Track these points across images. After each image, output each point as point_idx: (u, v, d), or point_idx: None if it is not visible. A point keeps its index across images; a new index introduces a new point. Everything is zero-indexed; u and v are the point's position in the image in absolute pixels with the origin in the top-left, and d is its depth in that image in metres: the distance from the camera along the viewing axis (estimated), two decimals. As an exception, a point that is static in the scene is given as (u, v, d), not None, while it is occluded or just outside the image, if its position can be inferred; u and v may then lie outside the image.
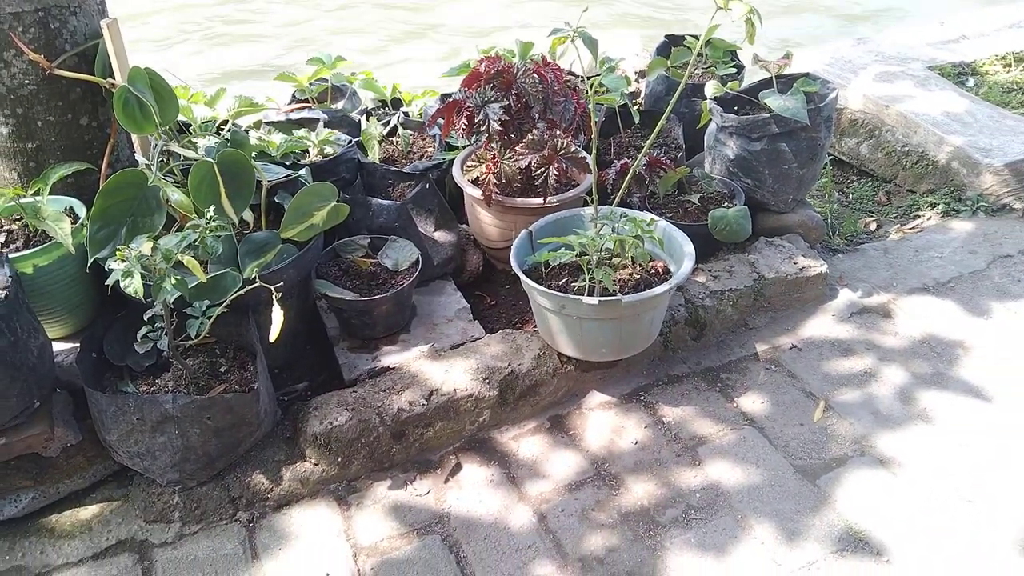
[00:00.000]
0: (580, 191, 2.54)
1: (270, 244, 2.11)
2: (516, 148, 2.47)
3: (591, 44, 2.33)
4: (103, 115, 2.16)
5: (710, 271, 2.62)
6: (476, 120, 2.41)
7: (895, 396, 2.31)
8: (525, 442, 2.20)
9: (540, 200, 2.45)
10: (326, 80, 3.16)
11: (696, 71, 3.31)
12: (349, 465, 2.07)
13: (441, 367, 2.22)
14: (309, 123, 2.82)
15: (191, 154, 2.04)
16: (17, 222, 2.10)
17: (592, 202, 2.30)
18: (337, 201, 2.20)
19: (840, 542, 1.89)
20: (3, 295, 1.81)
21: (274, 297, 1.82)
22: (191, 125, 2.48)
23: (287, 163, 2.43)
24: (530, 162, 2.41)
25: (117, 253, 1.73)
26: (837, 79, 3.72)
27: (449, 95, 2.67)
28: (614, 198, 2.44)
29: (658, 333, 2.35)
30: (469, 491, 2.06)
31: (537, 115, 2.44)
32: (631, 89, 3.59)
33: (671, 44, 3.34)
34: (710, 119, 2.83)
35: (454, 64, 2.99)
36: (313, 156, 2.63)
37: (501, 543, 1.92)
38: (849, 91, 3.68)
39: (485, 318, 2.55)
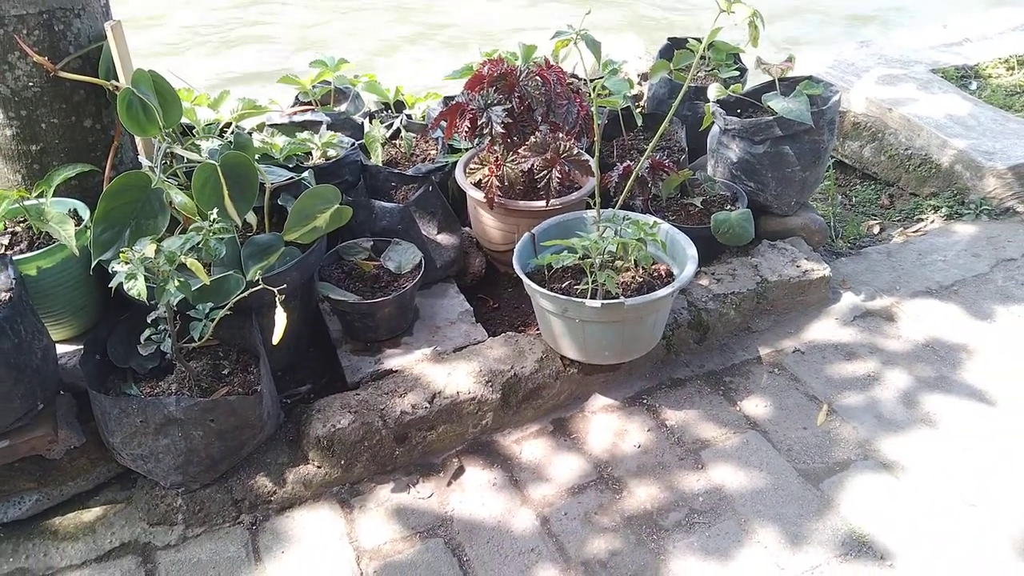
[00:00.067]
0: (583, 194, 2.54)
1: (273, 247, 2.11)
2: (519, 151, 2.48)
3: (594, 47, 2.33)
4: (107, 117, 2.17)
5: (713, 274, 2.62)
6: (479, 123, 2.42)
7: (898, 400, 2.31)
8: (528, 445, 2.20)
9: (543, 203, 2.45)
10: (329, 83, 3.17)
11: (699, 74, 3.31)
12: (352, 468, 2.07)
13: (444, 370, 2.22)
14: (312, 126, 2.82)
15: (195, 156, 2.04)
16: (21, 224, 2.10)
17: (595, 205, 2.30)
18: (340, 204, 2.20)
19: (843, 546, 1.89)
20: (7, 297, 1.82)
21: (277, 299, 1.82)
22: (195, 127, 2.48)
23: (290, 166, 2.43)
24: (533, 165, 2.41)
25: (121, 255, 1.73)
26: (840, 82, 3.72)
27: (452, 98, 2.67)
28: (617, 201, 2.44)
29: (661, 336, 2.35)
30: (472, 494, 2.06)
31: (540, 118, 2.44)
32: (634, 92, 3.60)
33: (674, 47, 3.34)
34: (713, 122, 2.83)
35: (458, 67, 2.99)
36: (316, 159, 2.63)
37: (504, 546, 1.92)
38: (852, 94, 3.68)
39: (488, 321, 2.55)
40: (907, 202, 3.38)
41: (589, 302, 2.04)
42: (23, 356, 1.79)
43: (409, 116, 3.07)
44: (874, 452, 2.14)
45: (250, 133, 2.48)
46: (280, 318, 1.83)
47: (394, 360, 2.30)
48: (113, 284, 1.75)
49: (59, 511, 2.00)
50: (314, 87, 3.14)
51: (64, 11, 1.99)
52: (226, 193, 1.96)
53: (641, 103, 3.52)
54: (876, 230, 3.20)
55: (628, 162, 2.57)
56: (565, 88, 2.51)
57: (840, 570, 1.83)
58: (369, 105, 3.31)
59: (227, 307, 1.90)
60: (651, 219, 2.30)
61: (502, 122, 2.37)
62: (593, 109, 2.31)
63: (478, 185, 2.55)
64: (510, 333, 2.40)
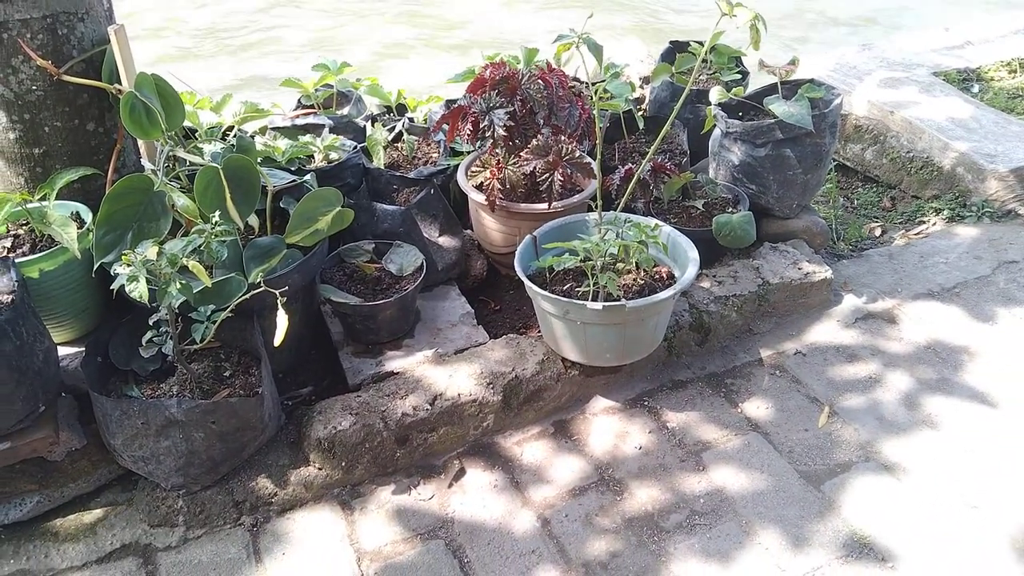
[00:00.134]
0: (584, 196, 2.55)
1: (275, 249, 2.12)
2: (521, 154, 2.48)
3: (596, 50, 2.34)
4: (110, 121, 2.18)
5: (714, 276, 2.62)
6: (481, 126, 2.42)
7: (900, 402, 2.30)
8: (529, 447, 2.20)
9: (545, 205, 2.45)
10: (332, 86, 3.18)
11: (701, 77, 3.31)
12: (353, 469, 2.08)
13: (445, 372, 2.22)
14: (314, 129, 2.83)
15: (197, 159, 2.05)
16: (24, 227, 2.11)
17: (596, 207, 2.30)
18: (342, 206, 2.21)
19: (845, 548, 1.88)
20: (9, 299, 1.82)
21: (279, 302, 1.83)
22: (197, 131, 2.49)
23: (292, 168, 2.44)
24: (535, 167, 2.42)
25: (123, 258, 1.74)
26: (842, 85, 3.72)
27: (454, 101, 2.68)
28: (618, 203, 2.45)
29: (662, 338, 2.35)
30: (473, 496, 2.06)
31: (542, 121, 2.44)
32: (636, 95, 3.60)
33: (676, 50, 3.35)
34: (715, 125, 2.83)
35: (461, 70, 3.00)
36: (318, 161, 2.64)
37: (505, 548, 1.92)
38: (854, 97, 3.68)
39: (489, 323, 2.55)
40: (909, 205, 3.38)
41: (590, 304, 2.04)
42: (25, 358, 1.79)
43: (411, 119, 3.08)
44: (875, 454, 2.13)
45: (252, 136, 2.49)
46: (281, 320, 1.83)
47: (395, 362, 2.31)
48: (115, 286, 1.76)
49: (60, 513, 2.01)
50: (316, 90, 3.15)
51: (68, 15, 2.00)
52: (228, 196, 1.96)
53: (643, 106, 3.53)
54: (878, 232, 3.20)
55: (630, 165, 2.57)
56: (567, 91, 2.51)
57: (841, 572, 1.83)
58: (371, 108, 3.32)
59: (228, 309, 1.90)
60: (652, 221, 2.30)
61: (504, 125, 2.38)
62: (595, 112, 2.32)
63: (480, 188, 2.56)
64: (511, 335, 2.40)
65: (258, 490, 2.01)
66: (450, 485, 2.09)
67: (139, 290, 1.70)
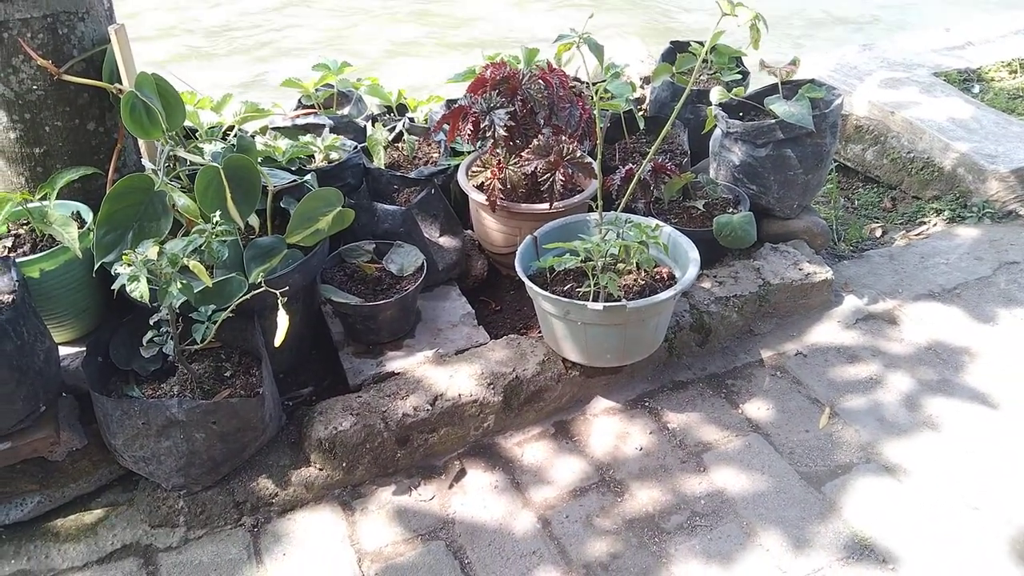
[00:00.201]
0: (585, 197, 2.55)
1: (276, 249, 2.11)
2: (521, 154, 2.48)
3: (597, 50, 2.34)
4: (110, 120, 2.17)
5: (715, 277, 2.62)
6: (482, 126, 2.42)
7: (901, 403, 2.30)
8: (529, 448, 2.20)
9: (545, 205, 2.45)
10: (332, 86, 3.17)
11: (701, 77, 3.31)
12: (354, 470, 2.07)
13: (446, 372, 2.22)
14: (315, 129, 2.83)
15: (198, 159, 2.04)
16: (24, 226, 2.11)
17: (597, 208, 2.30)
18: (342, 206, 2.20)
19: (846, 549, 1.88)
20: (10, 299, 1.82)
21: (279, 302, 1.83)
22: (197, 130, 2.49)
23: (293, 168, 2.44)
24: (535, 168, 2.41)
25: (123, 258, 1.73)
26: (842, 85, 3.72)
27: (455, 101, 2.68)
28: (619, 204, 2.45)
29: (663, 339, 2.35)
30: (473, 497, 2.06)
31: (542, 121, 2.44)
32: (636, 95, 3.60)
33: (676, 50, 3.34)
34: (715, 125, 2.83)
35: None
36: (319, 161, 2.64)
37: (505, 549, 1.92)
38: (854, 97, 3.68)
39: (490, 323, 2.55)
40: (909, 205, 3.38)
41: (591, 304, 2.04)
42: (26, 358, 1.79)
43: (412, 119, 3.07)
44: (876, 455, 2.13)
45: (253, 136, 2.49)
46: (282, 320, 1.83)
47: (396, 362, 2.30)
48: (116, 286, 1.75)
49: (61, 513, 2.00)
50: (317, 90, 3.15)
51: (68, 15, 2.00)
52: (229, 196, 1.96)
53: (643, 106, 3.53)
54: (878, 233, 3.20)
55: (630, 165, 2.57)
56: (567, 91, 2.51)
57: (842, 573, 1.83)
58: (372, 108, 3.31)
59: (229, 309, 1.90)
60: (653, 222, 2.30)
61: (505, 125, 2.38)
62: (595, 112, 2.32)
63: (480, 188, 2.56)
64: (512, 336, 2.40)
65: (259, 490, 2.01)
66: (451, 486, 2.09)
67: (140, 290, 1.70)
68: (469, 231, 2.81)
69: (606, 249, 2.14)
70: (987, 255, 2.94)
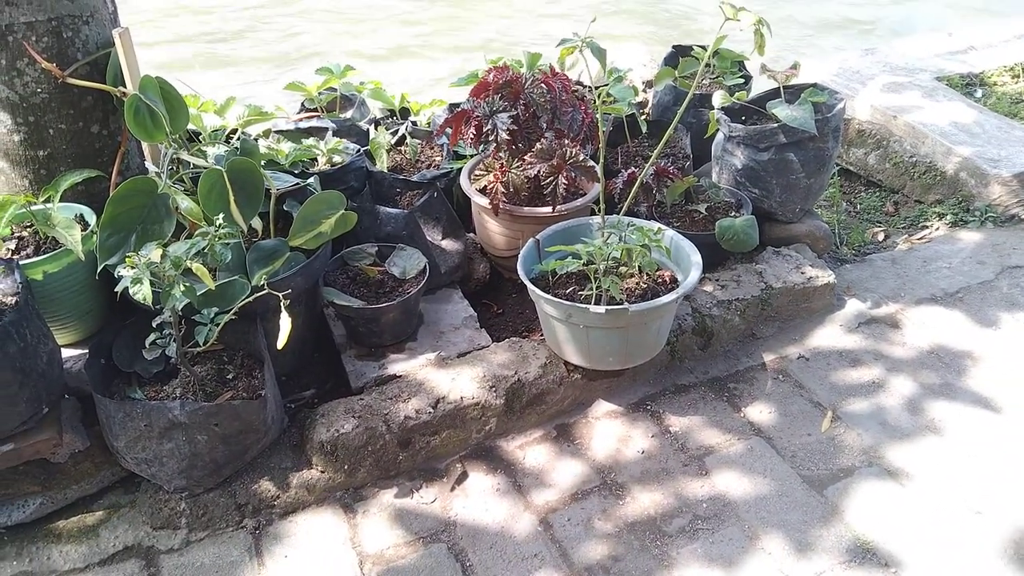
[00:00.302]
0: (587, 200, 2.55)
1: (278, 252, 2.12)
2: (524, 157, 2.48)
3: (599, 54, 2.34)
4: (114, 123, 2.18)
5: (717, 281, 2.62)
6: (484, 129, 2.42)
7: (903, 407, 2.30)
8: (531, 451, 2.20)
9: (548, 209, 2.45)
10: (335, 90, 3.18)
11: (704, 81, 3.32)
12: (355, 473, 2.07)
13: (448, 375, 2.22)
14: (318, 132, 2.83)
15: (201, 162, 2.05)
16: (28, 229, 2.12)
17: (599, 211, 2.31)
18: (345, 209, 2.21)
19: (848, 553, 1.88)
20: (13, 302, 1.83)
21: (282, 304, 1.83)
22: (201, 134, 2.50)
23: (296, 171, 2.44)
24: (538, 171, 2.42)
25: (127, 260, 1.74)
26: (845, 89, 3.72)
27: (457, 105, 2.68)
28: (621, 207, 2.45)
29: (665, 342, 2.35)
30: (475, 499, 2.06)
31: (545, 125, 2.44)
32: (639, 99, 3.60)
33: (679, 54, 3.35)
34: (717, 129, 2.83)
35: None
36: (322, 165, 2.64)
37: (507, 552, 1.91)
38: (857, 101, 3.68)
39: (492, 326, 2.55)
40: (912, 209, 3.37)
41: (593, 308, 2.04)
42: (28, 360, 1.80)
43: (414, 123, 3.08)
44: (879, 459, 2.13)
45: (256, 139, 2.50)
46: (285, 323, 1.83)
47: (398, 365, 2.31)
48: (119, 288, 1.76)
49: (63, 514, 2.01)
50: (320, 94, 3.16)
51: (73, 18, 2.01)
52: (232, 198, 1.97)
53: (646, 110, 3.53)
54: (881, 237, 3.20)
55: (633, 169, 2.58)
56: (570, 95, 2.51)
57: (844, 577, 1.83)
58: (375, 112, 3.32)
59: (232, 312, 1.90)
60: (656, 225, 2.30)
61: (507, 129, 2.38)
62: (598, 116, 2.32)
63: (483, 191, 2.56)
64: (514, 339, 2.40)
65: (260, 493, 2.01)
66: (452, 488, 2.09)
67: (143, 292, 1.70)
68: (471, 234, 2.81)
69: (608, 252, 2.15)
70: (990, 259, 2.93)
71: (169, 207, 1.94)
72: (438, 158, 2.91)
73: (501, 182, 2.47)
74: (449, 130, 2.54)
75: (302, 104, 3.23)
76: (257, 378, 2.06)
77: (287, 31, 6.83)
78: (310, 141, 2.63)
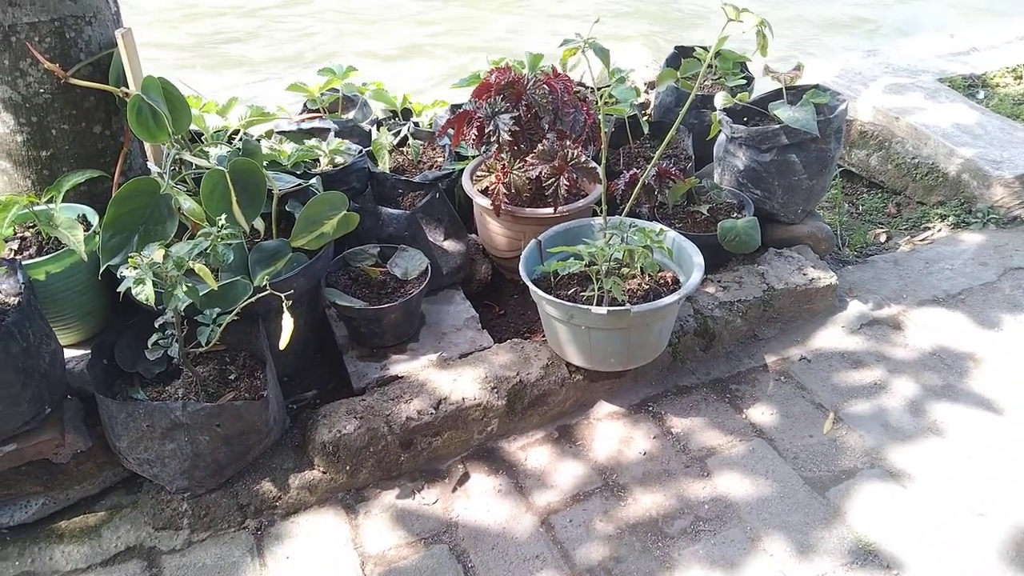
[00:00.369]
0: (589, 201, 2.55)
1: (281, 252, 2.12)
2: (526, 158, 2.48)
3: (602, 55, 2.34)
4: (116, 124, 2.18)
5: (719, 282, 2.62)
6: (486, 130, 2.42)
7: (905, 408, 2.30)
8: (533, 452, 2.20)
9: (550, 210, 2.45)
10: (337, 90, 3.18)
11: (706, 82, 3.31)
12: (357, 473, 2.08)
13: (449, 376, 2.22)
14: (320, 133, 2.83)
15: (203, 163, 2.05)
16: (30, 229, 2.12)
17: (601, 212, 2.30)
18: (347, 210, 2.21)
19: (850, 555, 1.88)
20: (16, 302, 1.83)
21: (284, 305, 1.83)
22: (203, 134, 2.50)
23: (298, 172, 2.44)
24: (540, 172, 2.42)
25: (129, 260, 1.74)
26: (847, 91, 3.72)
27: (459, 106, 2.69)
28: (623, 208, 2.45)
29: (667, 344, 2.35)
30: (477, 500, 2.06)
31: (547, 126, 2.44)
32: (641, 100, 3.60)
33: (681, 55, 3.35)
34: (720, 130, 2.83)
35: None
36: (324, 165, 2.64)
37: (509, 553, 1.91)
38: (859, 103, 3.68)
39: (494, 327, 2.55)
40: (914, 211, 3.37)
41: (595, 309, 2.04)
42: (31, 360, 1.80)
43: (416, 124, 3.08)
44: (881, 460, 2.13)
45: (258, 140, 2.50)
46: (287, 324, 1.83)
47: (400, 366, 2.31)
48: (121, 289, 1.76)
49: (65, 515, 2.01)
50: (322, 95, 3.16)
51: (76, 19, 2.01)
52: (234, 199, 1.97)
53: (648, 111, 3.53)
54: (883, 239, 3.19)
55: (635, 170, 2.58)
56: (572, 96, 2.51)
57: (846, 579, 1.83)
58: (377, 113, 3.32)
59: (234, 312, 1.90)
60: (657, 226, 2.30)
61: (509, 130, 2.38)
62: (600, 117, 2.32)
63: (485, 192, 2.56)
64: (516, 340, 2.40)
65: (262, 493, 2.01)
66: (454, 489, 2.09)
67: (145, 293, 1.70)
68: (473, 235, 2.81)
69: (610, 253, 2.15)
70: (992, 261, 2.93)
71: (171, 208, 1.94)
72: (440, 159, 2.91)
73: (503, 183, 2.47)
74: (451, 131, 2.54)
75: (304, 105, 3.23)
76: (259, 379, 2.06)
77: (301, 31, 6.83)
78: (312, 142, 2.63)
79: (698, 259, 2.22)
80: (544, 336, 2.35)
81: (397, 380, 2.25)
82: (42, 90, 2.01)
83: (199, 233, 1.84)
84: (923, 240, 3.13)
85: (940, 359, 2.48)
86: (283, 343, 1.85)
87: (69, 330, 2.10)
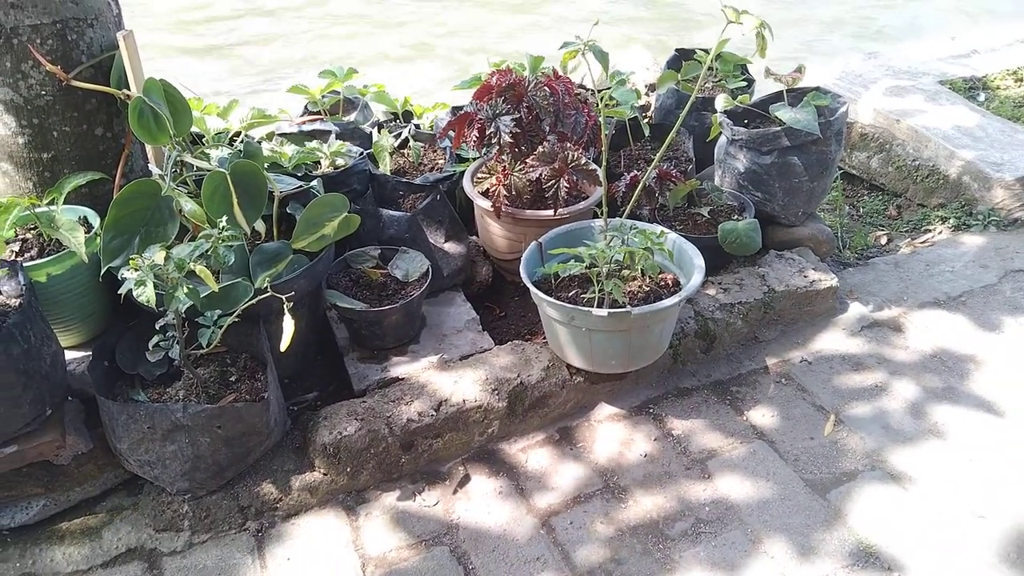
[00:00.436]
0: (590, 203, 2.55)
1: (282, 254, 2.12)
2: (527, 160, 2.49)
3: (602, 57, 2.35)
4: (118, 126, 2.19)
5: (720, 284, 2.62)
6: (487, 132, 2.43)
7: (906, 410, 2.30)
8: (534, 454, 2.20)
9: (550, 212, 2.46)
10: (338, 93, 3.19)
11: (706, 85, 3.32)
12: (358, 475, 2.08)
13: (450, 378, 2.22)
14: (321, 135, 2.84)
15: (204, 165, 2.05)
16: (32, 231, 2.12)
17: (602, 214, 2.31)
18: (348, 212, 2.21)
19: (851, 557, 1.88)
20: (17, 303, 1.83)
21: (285, 307, 1.83)
22: (204, 136, 2.50)
23: (299, 174, 2.45)
24: (540, 174, 2.42)
25: (130, 262, 1.74)
26: (848, 93, 3.72)
27: (460, 108, 2.69)
28: (624, 210, 2.45)
29: (668, 346, 2.35)
30: (478, 502, 2.06)
31: (548, 128, 2.45)
32: (641, 102, 3.60)
33: (681, 58, 3.35)
34: (720, 132, 2.83)
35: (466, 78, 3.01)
36: (325, 167, 2.65)
37: (509, 555, 1.91)
38: (860, 105, 3.68)
39: (494, 329, 2.56)
40: (914, 213, 3.37)
41: (596, 311, 2.04)
42: (32, 362, 1.80)
43: (417, 126, 3.09)
44: (882, 463, 2.13)
45: (259, 142, 2.50)
46: (288, 325, 1.84)
47: (401, 368, 2.31)
48: (122, 291, 1.76)
49: (66, 516, 2.01)
50: (323, 97, 3.16)
51: (77, 21, 2.01)
52: (235, 201, 1.97)
53: (648, 113, 3.53)
54: (883, 241, 3.19)
55: (635, 172, 2.58)
56: (573, 98, 2.52)
57: (847, 581, 1.83)
58: (378, 115, 3.33)
59: (235, 314, 1.91)
60: (658, 228, 2.30)
61: (510, 132, 2.39)
62: (601, 119, 2.32)
63: (485, 194, 2.56)
64: (516, 341, 2.40)
65: (263, 495, 2.01)
66: (455, 491, 2.09)
67: (146, 294, 1.70)
68: (474, 237, 2.81)
69: (611, 255, 2.15)
70: (993, 263, 2.93)
71: (173, 209, 1.94)
72: (441, 161, 2.92)
73: (503, 185, 2.48)
74: (452, 133, 2.55)
75: (305, 107, 3.23)
76: (260, 380, 2.06)
77: (318, 32, 6.84)
78: (313, 144, 2.64)
79: (699, 261, 2.22)
80: (545, 338, 2.35)
81: (398, 382, 2.25)
82: (44, 92, 2.01)
83: (200, 235, 1.85)
84: (924, 242, 3.13)
85: (941, 361, 2.48)
86: (284, 345, 1.85)
87: (70, 332, 2.10)
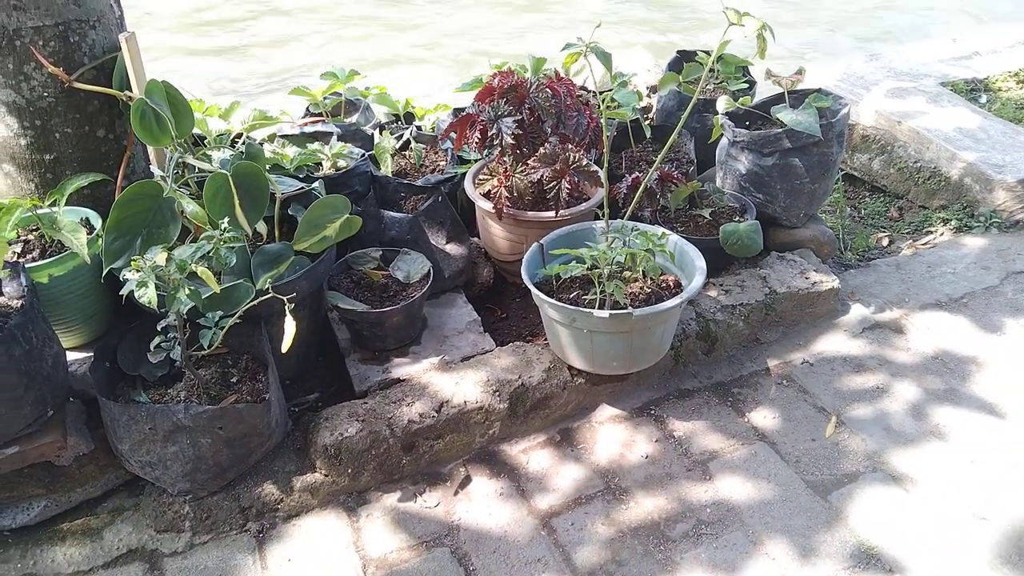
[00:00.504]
0: (591, 205, 2.55)
1: (283, 256, 2.12)
2: (528, 162, 2.49)
3: (604, 59, 2.35)
4: (120, 127, 2.19)
5: (721, 285, 2.62)
6: (489, 134, 2.43)
7: (908, 412, 2.30)
8: (535, 455, 2.20)
9: (552, 213, 2.46)
10: (340, 94, 3.19)
11: (708, 86, 3.32)
12: (359, 476, 2.08)
13: (451, 379, 2.23)
14: (323, 136, 2.84)
15: (206, 166, 2.06)
16: (34, 232, 2.12)
17: (603, 216, 2.31)
18: (350, 214, 2.21)
19: (852, 559, 1.88)
20: (19, 304, 1.84)
21: (286, 308, 1.83)
22: (206, 138, 2.51)
23: (301, 176, 2.45)
24: (542, 176, 2.42)
25: (132, 263, 1.74)
26: (849, 95, 3.72)
27: (462, 109, 2.69)
28: (625, 212, 2.45)
29: (669, 347, 2.35)
30: (479, 504, 2.06)
31: (549, 129, 2.45)
32: (643, 104, 3.61)
33: (683, 60, 3.35)
34: (722, 134, 2.83)
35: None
36: (326, 169, 2.65)
37: (510, 556, 1.91)
38: (861, 107, 3.68)
39: (496, 331, 2.56)
40: (916, 215, 3.37)
41: (597, 312, 2.05)
42: (34, 363, 1.80)
43: (419, 127, 3.09)
44: (883, 464, 2.13)
45: (261, 143, 2.50)
46: (289, 327, 1.84)
47: (402, 369, 2.31)
48: (124, 292, 1.76)
49: (67, 517, 2.01)
50: (325, 99, 3.16)
51: (80, 23, 2.02)
52: (237, 203, 1.97)
53: (650, 115, 3.53)
54: (885, 242, 3.19)
55: (637, 173, 2.58)
56: (575, 100, 2.52)
57: (848, 583, 1.82)
58: (379, 117, 3.33)
59: (237, 315, 1.91)
60: (660, 230, 2.30)
61: (512, 133, 2.39)
62: (602, 121, 2.33)
63: (487, 196, 2.56)
64: (518, 343, 2.40)
65: (264, 496, 2.01)
66: (456, 493, 2.09)
67: (148, 296, 1.71)
68: (475, 239, 2.81)
69: (612, 257, 2.15)
70: (994, 265, 2.93)
71: (174, 211, 1.95)
72: (442, 163, 2.92)
73: (505, 186, 2.48)
74: (453, 135, 2.55)
75: (307, 109, 3.24)
76: (261, 382, 2.06)
77: (331, 34, 6.84)
78: (315, 145, 2.64)
79: (700, 263, 2.22)
80: (546, 339, 2.35)
81: (399, 383, 2.25)
82: (46, 94, 2.02)
83: (202, 236, 1.85)
84: (925, 244, 3.13)
85: (942, 363, 2.48)
86: (285, 346, 1.85)
87: (72, 333, 2.11)
